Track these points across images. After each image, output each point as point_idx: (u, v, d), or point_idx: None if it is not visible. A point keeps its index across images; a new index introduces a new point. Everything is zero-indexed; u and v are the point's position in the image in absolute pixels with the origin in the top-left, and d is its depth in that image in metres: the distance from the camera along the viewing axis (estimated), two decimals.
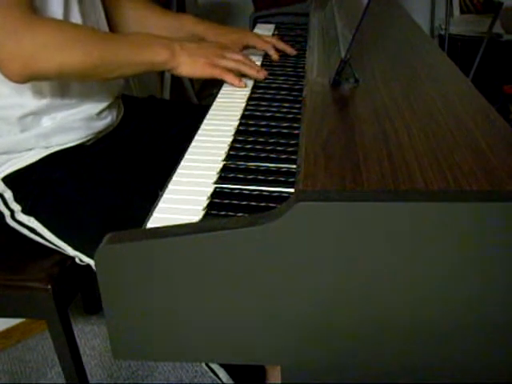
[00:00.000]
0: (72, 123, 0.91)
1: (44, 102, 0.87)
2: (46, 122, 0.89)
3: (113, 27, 1.08)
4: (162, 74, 2.20)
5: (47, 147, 0.90)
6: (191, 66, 0.90)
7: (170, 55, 0.88)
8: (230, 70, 0.94)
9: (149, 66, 0.88)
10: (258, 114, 0.85)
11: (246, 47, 1.11)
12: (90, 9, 0.94)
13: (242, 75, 0.96)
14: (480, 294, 0.50)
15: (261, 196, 0.64)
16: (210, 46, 0.96)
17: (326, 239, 0.49)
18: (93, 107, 0.93)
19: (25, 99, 0.86)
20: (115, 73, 0.86)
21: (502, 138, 0.59)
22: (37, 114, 0.87)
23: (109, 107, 0.97)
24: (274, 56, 1.09)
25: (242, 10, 2.64)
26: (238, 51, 1.00)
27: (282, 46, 1.12)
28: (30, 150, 0.89)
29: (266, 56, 1.11)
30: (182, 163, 0.72)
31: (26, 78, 0.78)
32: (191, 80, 2.36)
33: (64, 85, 0.89)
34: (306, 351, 0.56)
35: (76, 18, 0.89)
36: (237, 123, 0.82)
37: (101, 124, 0.96)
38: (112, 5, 1.09)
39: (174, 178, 0.69)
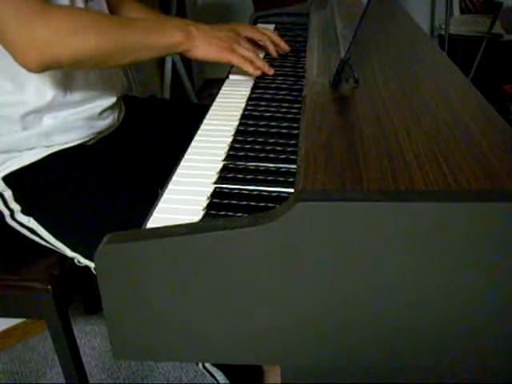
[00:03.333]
0: (74, 122, 0.91)
1: (46, 99, 0.87)
2: (48, 120, 0.89)
3: None
4: (162, 73, 2.20)
5: (48, 146, 0.89)
6: (207, 48, 0.90)
7: (184, 37, 0.88)
8: (244, 58, 0.94)
9: (164, 48, 0.88)
10: (257, 113, 0.85)
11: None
12: (96, 7, 0.94)
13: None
14: (480, 294, 0.50)
15: (260, 196, 0.64)
16: (225, 29, 0.96)
17: (326, 239, 0.49)
18: (95, 107, 0.93)
19: (27, 96, 0.85)
20: (130, 57, 0.85)
21: (502, 138, 0.58)
22: (39, 112, 0.87)
23: (111, 107, 0.97)
24: (273, 52, 1.10)
25: (242, 10, 2.64)
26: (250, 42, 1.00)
27: (276, 39, 1.12)
28: (31, 149, 0.89)
29: (265, 56, 1.12)
30: (182, 163, 0.72)
31: (42, 66, 0.77)
32: (191, 80, 2.36)
33: (67, 82, 0.89)
34: (306, 351, 0.56)
35: None
36: (237, 123, 0.82)
37: (102, 124, 0.96)
38: (116, 10, 1.09)
39: (174, 178, 0.69)
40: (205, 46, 0.90)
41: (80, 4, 0.88)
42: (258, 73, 0.96)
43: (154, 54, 0.89)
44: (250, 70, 0.95)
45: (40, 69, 0.77)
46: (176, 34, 0.87)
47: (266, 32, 1.13)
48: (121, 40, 0.82)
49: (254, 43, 1.08)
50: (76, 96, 0.90)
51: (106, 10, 0.98)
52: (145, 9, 1.14)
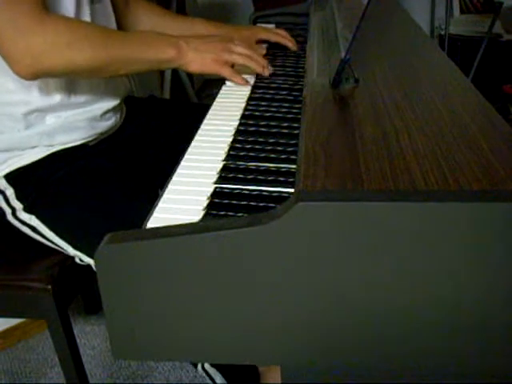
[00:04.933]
0: (76, 123, 0.91)
1: (50, 100, 0.87)
2: (50, 119, 0.89)
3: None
4: (162, 73, 2.20)
5: (50, 146, 0.90)
6: (199, 62, 0.91)
7: (176, 53, 0.89)
8: (237, 71, 0.96)
9: (155, 64, 0.90)
10: (257, 114, 0.85)
11: (259, 42, 1.17)
12: (101, 12, 0.94)
13: None
14: (480, 294, 0.50)
15: (261, 196, 0.64)
16: (216, 40, 0.97)
17: (326, 239, 0.49)
18: (98, 108, 0.94)
19: (31, 96, 0.86)
20: (123, 70, 0.87)
21: (501, 138, 0.59)
22: (42, 111, 0.88)
23: (114, 109, 0.98)
24: (294, 47, 1.15)
25: (242, 10, 2.64)
26: (244, 44, 1.01)
27: (286, 35, 1.18)
28: (33, 148, 0.89)
29: (264, 56, 1.11)
30: (182, 163, 0.72)
31: (35, 74, 0.78)
32: (191, 80, 2.36)
33: (71, 84, 0.89)
34: (306, 351, 0.56)
35: (86, 20, 0.89)
36: (237, 123, 0.82)
37: (104, 125, 0.96)
38: (123, 10, 1.09)
39: (174, 178, 0.69)
40: (197, 60, 0.91)
41: (85, 7, 0.88)
42: (249, 86, 0.97)
43: (146, 69, 0.90)
44: (241, 82, 0.96)
45: (33, 77, 0.79)
46: (167, 51, 0.88)
47: (279, 31, 1.18)
48: (114, 54, 0.83)
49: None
50: (80, 97, 0.91)
51: (112, 14, 0.99)
52: (154, 8, 1.14)
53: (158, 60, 0.89)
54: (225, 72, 0.94)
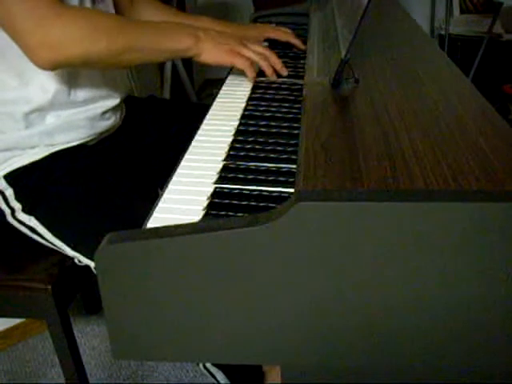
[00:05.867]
0: (76, 122, 0.91)
1: (51, 98, 0.87)
2: (50, 119, 0.89)
3: None
4: (162, 73, 2.20)
5: (50, 145, 0.90)
6: (214, 52, 0.91)
7: (193, 42, 0.89)
8: (250, 63, 0.95)
9: (172, 53, 0.90)
10: (257, 114, 0.85)
11: (267, 40, 1.17)
12: (103, 9, 0.94)
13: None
14: (480, 294, 0.50)
15: (261, 196, 0.64)
16: (233, 35, 0.97)
17: (326, 239, 0.49)
18: (98, 107, 0.94)
19: (32, 94, 0.86)
20: (139, 60, 0.87)
21: (502, 138, 0.59)
22: (42, 110, 0.88)
23: (113, 108, 0.98)
24: (301, 45, 1.15)
25: (242, 10, 2.64)
26: (260, 43, 1.00)
27: (295, 36, 1.18)
28: (33, 147, 0.89)
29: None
30: (182, 163, 0.72)
31: (54, 64, 0.79)
32: (191, 80, 2.36)
33: (72, 82, 0.89)
34: (306, 351, 0.56)
35: None
36: (237, 123, 0.82)
37: (104, 124, 0.96)
38: (129, 8, 1.09)
39: (174, 178, 0.69)
40: (212, 50, 0.91)
41: (88, 6, 0.89)
42: (254, 81, 0.96)
43: (163, 58, 0.91)
44: (252, 75, 0.95)
45: (51, 67, 0.79)
46: (185, 40, 0.89)
47: (286, 30, 1.18)
48: (131, 43, 0.83)
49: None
50: (80, 96, 0.91)
51: (113, 12, 0.99)
52: (160, 6, 1.14)
53: (175, 49, 0.89)
54: (238, 62, 0.93)
